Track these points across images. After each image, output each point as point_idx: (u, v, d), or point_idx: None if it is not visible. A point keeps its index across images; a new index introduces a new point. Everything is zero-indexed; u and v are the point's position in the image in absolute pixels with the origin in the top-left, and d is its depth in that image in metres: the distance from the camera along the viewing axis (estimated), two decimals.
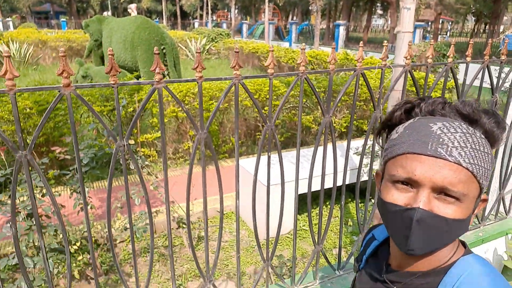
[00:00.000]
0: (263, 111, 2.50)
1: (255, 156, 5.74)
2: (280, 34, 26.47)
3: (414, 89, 3.01)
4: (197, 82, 1.28)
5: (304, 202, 4.10)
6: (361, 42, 1.58)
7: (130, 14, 11.80)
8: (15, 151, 1.08)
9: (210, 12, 33.28)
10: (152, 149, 5.46)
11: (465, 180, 0.65)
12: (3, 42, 13.90)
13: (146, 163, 3.54)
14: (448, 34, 30.65)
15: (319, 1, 15.40)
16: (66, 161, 4.23)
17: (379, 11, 47.67)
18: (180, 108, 5.24)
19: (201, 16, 41.50)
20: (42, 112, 4.38)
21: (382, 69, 1.59)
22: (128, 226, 3.56)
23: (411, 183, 0.68)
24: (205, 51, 16.61)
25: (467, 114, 0.70)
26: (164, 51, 8.12)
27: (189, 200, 1.46)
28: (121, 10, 45.75)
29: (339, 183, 1.80)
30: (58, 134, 4.52)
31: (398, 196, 0.69)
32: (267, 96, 5.66)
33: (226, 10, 46.22)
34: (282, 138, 5.90)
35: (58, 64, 14.47)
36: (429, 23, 28.35)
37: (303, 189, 3.68)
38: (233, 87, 1.34)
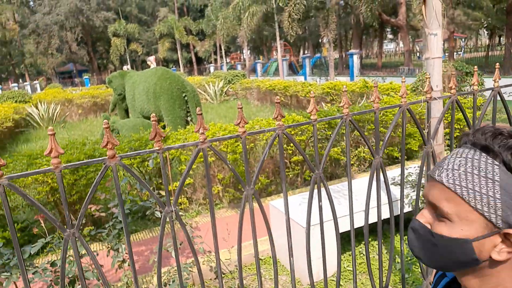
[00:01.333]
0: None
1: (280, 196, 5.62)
2: (294, 69, 26.89)
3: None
4: (241, 138, 1.24)
5: (345, 241, 3.92)
6: (403, 77, 1.51)
7: (149, 66, 12.26)
8: (63, 230, 1.03)
9: (224, 55, 34.35)
10: (182, 196, 5.42)
11: (450, 199, 0.70)
12: (32, 104, 14.60)
13: (181, 213, 3.49)
14: (462, 51, 30.43)
15: (330, 33, 15.64)
16: (101, 218, 4.23)
17: (389, 36, 48.15)
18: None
19: (215, 60, 42.92)
20: (74, 172, 4.44)
21: (428, 102, 1.51)
22: (168, 280, 3.46)
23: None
24: (223, 93, 16.95)
25: (479, 143, 0.72)
26: (185, 98, 8.29)
27: (241, 250, 1.38)
28: (139, 62, 47.88)
29: (384, 216, 1.68)
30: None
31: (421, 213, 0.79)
32: (291, 132, 5.61)
33: (238, 52, 47.68)
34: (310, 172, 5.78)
35: (84, 120, 15.07)
36: (443, 42, 28.32)
37: (342, 227, 3.53)
38: (277, 137, 1.28)
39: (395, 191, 4.00)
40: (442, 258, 0.75)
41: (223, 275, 3.82)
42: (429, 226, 0.74)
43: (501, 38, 33.36)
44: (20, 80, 39.71)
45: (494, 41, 32.24)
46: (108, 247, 3.25)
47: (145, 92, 8.36)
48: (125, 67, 15.48)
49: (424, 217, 0.75)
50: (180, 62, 39.33)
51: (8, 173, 4.35)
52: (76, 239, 1.06)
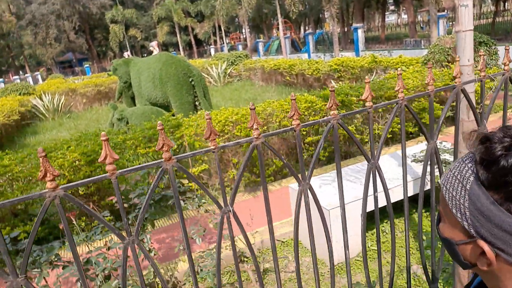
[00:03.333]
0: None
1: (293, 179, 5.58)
2: (296, 47, 26.48)
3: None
4: (295, 130, 1.18)
5: (369, 221, 3.89)
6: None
7: (151, 52, 12.10)
8: (122, 238, 0.99)
9: (224, 36, 33.86)
10: (187, 183, 5.39)
11: (442, 199, 0.72)
12: (36, 96, 14.53)
13: (203, 201, 3.46)
14: None
15: (333, 7, 15.29)
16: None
17: (391, 7, 47.15)
18: (220, 138, 5.19)
19: (215, 41, 42.36)
20: (90, 163, 4.42)
21: (482, 81, 1.43)
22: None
23: None
24: (227, 75, 16.76)
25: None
26: (192, 83, 8.19)
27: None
28: (139, 47, 47.38)
29: (409, 193, 1.62)
30: (108, 181, 4.54)
31: None
32: (305, 113, 5.53)
33: (238, 32, 46.98)
34: (326, 153, 5.72)
35: (89, 109, 15.01)
36: (447, 11, 27.68)
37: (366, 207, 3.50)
38: (332, 128, 1.22)
39: (417, 168, 3.95)
40: (449, 254, 0.77)
41: (246, 259, 3.84)
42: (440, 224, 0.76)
43: (506, 4, 32.52)
44: (21, 72, 39.55)
45: (499, 7, 31.48)
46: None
47: (151, 79, 8.26)
48: (125, 54, 15.32)
49: (440, 213, 0.76)
50: (179, 45, 38.87)
51: (26, 166, 4.34)
52: (136, 246, 1.01)
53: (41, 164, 0.93)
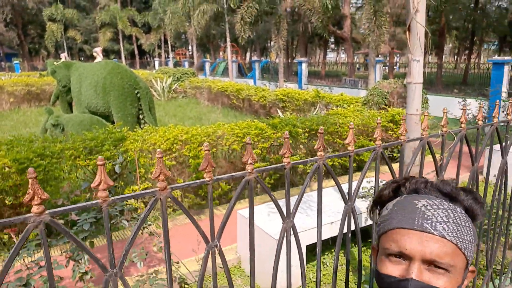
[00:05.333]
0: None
1: (247, 202, 5.58)
2: (242, 71, 26.97)
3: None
4: (285, 168, 1.21)
5: (309, 252, 3.99)
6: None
7: (95, 57, 11.55)
8: (105, 270, 0.93)
9: (170, 50, 33.43)
10: (139, 200, 5.16)
11: (451, 252, 0.72)
12: None
13: (149, 222, 3.31)
14: (398, 66, 32.65)
15: (281, 39, 15.94)
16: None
17: (331, 46, 50.29)
18: (167, 157, 5.05)
19: (159, 54, 41.61)
20: (22, 171, 4.04)
21: (443, 136, 1.58)
22: None
23: (403, 256, 0.75)
24: (172, 90, 16.50)
25: (447, 192, 0.79)
26: (138, 95, 7.93)
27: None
28: (76, 50, 44.94)
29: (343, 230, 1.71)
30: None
31: (392, 268, 0.76)
32: (254, 139, 5.61)
33: (184, 48, 46.72)
34: (272, 180, 5.82)
35: (16, 110, 13.76)
36: (382, 57, 30.24)
37: (306, 240, 3.60)
38: (317, 168, 1.26)
39: (359, 204, 4.17)
40: None
41: (186, 286, 3.70)
42: (432, 284, 0.72)
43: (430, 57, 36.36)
44: None
45: (427, 59, 35.09)
46: (67, 256, 3.00)
47: (93, 86, 7.85)
48: (62, 55, 14.40)
49: (422, 275, 0.72)
50: (121, 53, 37.58)
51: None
52: (120, 278, 0.95)
53: (29, 186, 0.85)
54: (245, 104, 12.41)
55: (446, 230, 0.73)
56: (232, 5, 19.12)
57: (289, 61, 32.04)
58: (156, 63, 33.90)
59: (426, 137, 1.51)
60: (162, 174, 0.96)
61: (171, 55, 34.56)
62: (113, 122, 7.56)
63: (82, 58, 45.85)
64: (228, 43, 20.92)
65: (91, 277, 3.06)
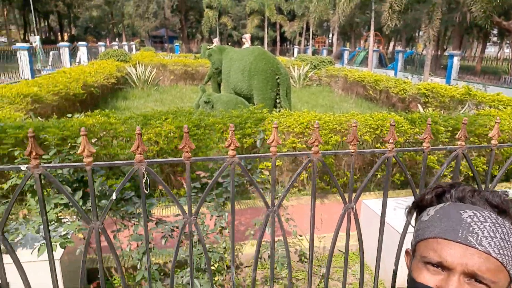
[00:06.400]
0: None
1: (375, 194, 5.56)
2: (382, 62, 25.75)
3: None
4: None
5: None
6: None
7: (243, 43, 12.58)
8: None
9: (310, 38, 33.87)
10: (267, 174, 5.63)
11: (494, 269, 0.69)
12: (131, 64, 15.80)
13: (279, 194, 3.67)
14: None
15: (433, 30, 14.67)
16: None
17: (493, 39, 43.75)
18: (299, 140, 5.36)
19: (299, 42, 42.47)
20: (181, 137, 4.83)
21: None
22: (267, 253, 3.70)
23: (442, 266, 0.72)
24: (307, 78, 16.86)
25: (496, 204, 0.73)
26: (278, 80, 8.44)
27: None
28: (226, 35, 48.98)
29: None
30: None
31: (429, 278, 0.73)
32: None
33: (324, 36, 46.64)
34: (402, 177, 5.65)
35: (175, 86, 15.98)
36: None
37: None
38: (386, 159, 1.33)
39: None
40: None
41: (306, 260, 3.98)
42: None
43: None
44: (117, 39, 42.85)
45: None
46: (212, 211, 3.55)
47: (241, 70, 8.64)
48: (214, 40, 16.08)
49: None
50: (265, 40, 39.58)
51: (128, 127, 4.86)
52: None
53: (136, 140, 1.17)
54: (381, 96, 11.97)
55: (492, 246, 0.69)
56: None
57: (438, 53, 29.16)
58: (295, 50, 34.76)
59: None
60: (233, 144, 1.19)
61: (310, 43, 34.94)
62: (252, 104, 8.25)
63: (230, 43, 49.81)
64: (372, 32, 20.19)
65: (228, 231, 3.57)
